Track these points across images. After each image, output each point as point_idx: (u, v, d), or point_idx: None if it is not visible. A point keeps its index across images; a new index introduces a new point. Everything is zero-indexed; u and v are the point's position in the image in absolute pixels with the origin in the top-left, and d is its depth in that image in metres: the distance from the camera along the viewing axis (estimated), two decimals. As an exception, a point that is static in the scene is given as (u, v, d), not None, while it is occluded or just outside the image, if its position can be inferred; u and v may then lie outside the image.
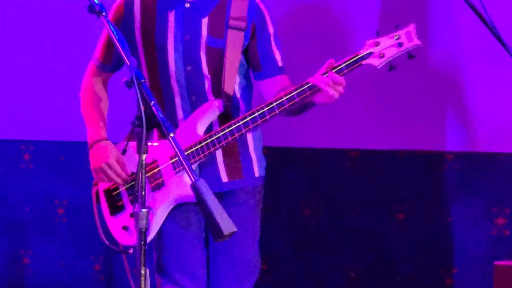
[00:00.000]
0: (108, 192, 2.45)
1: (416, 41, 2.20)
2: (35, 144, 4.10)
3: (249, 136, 2.37)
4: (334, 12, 2.94)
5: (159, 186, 2.36)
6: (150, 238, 2.35)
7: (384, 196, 3.99)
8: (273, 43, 2.41)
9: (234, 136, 2.26)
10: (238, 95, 2.40)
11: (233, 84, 2.36)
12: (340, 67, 2.15)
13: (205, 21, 2.38)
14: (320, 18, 3.84)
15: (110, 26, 1.74)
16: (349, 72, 2.17)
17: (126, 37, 2.05)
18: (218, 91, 2.32)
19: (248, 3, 2.37)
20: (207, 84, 2.34)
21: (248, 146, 2.41)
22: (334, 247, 4.06)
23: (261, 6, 2.42)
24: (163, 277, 2.49)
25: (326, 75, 2.13)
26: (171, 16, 2.38)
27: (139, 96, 1.66)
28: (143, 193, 1.70)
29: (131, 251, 2.30)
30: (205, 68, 2.36)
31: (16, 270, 4.15)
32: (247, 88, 2.46)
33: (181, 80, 2.36)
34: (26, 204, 4.08)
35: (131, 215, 2.32)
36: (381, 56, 2.21)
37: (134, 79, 1.66)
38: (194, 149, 2.29)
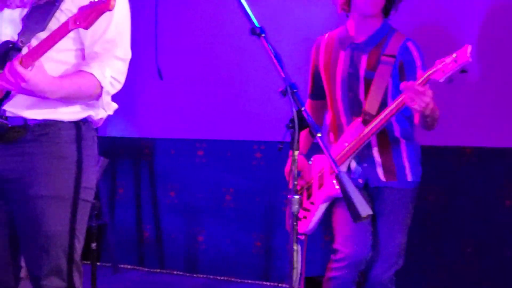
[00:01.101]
0: None
1: (467, 58, 2.30)
2: (208, 142, 4.34)
3: (403, 149, 2.64)
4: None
5: (320, 186, 2.60)
6: (310, 227, 2.66)
7: None
8: (418, 73, 2.49)
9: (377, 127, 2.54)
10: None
11: (377, 102, 2.57)
12: (419, 81, 2.36)
13: (364, 57, 2.64)
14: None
15: (269, 45, 1.80)
16: (424, 84, 2.36)
17: (314, 68, 2.76)
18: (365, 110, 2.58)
19: (401, 44, 2.60)
20: (362, 105, 2.60)
21: (402, 157, 2.63)
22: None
23: (411, 46, 2.62)
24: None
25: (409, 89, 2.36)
26: (342, 54, 2.68)
27: (292, 102, 1.75)
28: (295, 183, 1.77)
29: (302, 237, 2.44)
30: (361, 95, 2.61)
31: (192, 245, 4.37)
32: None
33: (345, 103, 2.65)
34: (200, 192, 4.32)
35: (304, 209, 2.65)
36: (443, 71, 2.34)
37: (288, 89, 1.75)
38: (352, 142, 2.56)
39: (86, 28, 1.79)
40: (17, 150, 1.88)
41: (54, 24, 1.83)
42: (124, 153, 4.56)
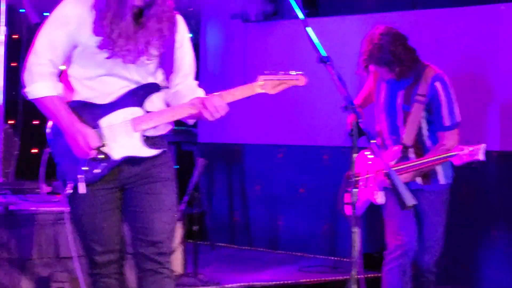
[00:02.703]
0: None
1: (479, 157, 2.46)
2: (286, 147, 4.49)
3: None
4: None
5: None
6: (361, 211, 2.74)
7: None
8: (443, 110, 2.64)
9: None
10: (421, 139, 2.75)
11: (412, 135, 2.70)
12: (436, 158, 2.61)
13: (401, 93, 2.76)
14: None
15: (333, 70, 1.84)
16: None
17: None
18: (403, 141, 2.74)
19: (429, 85, 2.68)
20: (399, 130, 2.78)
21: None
22: None
23: (437, 86, 2.68)
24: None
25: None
26: (383, 86, 2.81)
27: (353, 116, 1.85)
28: (355, 179, 1.88)
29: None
30: (400, 122, 2.76)
31: (273, 228, 4.47)
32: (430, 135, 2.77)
33: (388, 125, 2.81)
34: (279, 186, 4.52)
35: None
36: (460, 159, 2.51)
37: (349, 105, 1.85)
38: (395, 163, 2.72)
39: (272, 93, 1.99)
40: None
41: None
42: (220, 156, 4.71)
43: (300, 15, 1.87)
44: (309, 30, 1.83)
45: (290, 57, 4.07)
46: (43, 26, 1.94)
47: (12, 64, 3.79)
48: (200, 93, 2.02)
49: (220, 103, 1.89)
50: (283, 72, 1.94)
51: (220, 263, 3.92)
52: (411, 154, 2.68)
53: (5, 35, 3.64)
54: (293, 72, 1.93)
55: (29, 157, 3.96)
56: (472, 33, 3.62)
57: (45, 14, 3.24)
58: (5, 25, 3.67)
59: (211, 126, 3.89)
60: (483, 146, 2.45)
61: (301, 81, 1.91)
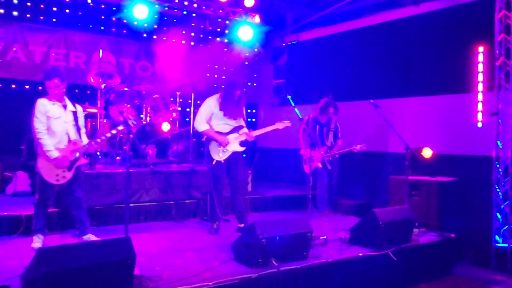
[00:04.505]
0: None
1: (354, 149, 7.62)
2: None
3: None
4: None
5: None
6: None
7: None
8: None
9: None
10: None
11: (330, 141, 7.58)
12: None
13: (325, 128, 7.56)
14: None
15: (304, 125, 7.00)
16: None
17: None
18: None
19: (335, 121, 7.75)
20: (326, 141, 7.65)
21: None
22: None
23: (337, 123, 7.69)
24: None
25: None
26: (317, 126, 7.50)
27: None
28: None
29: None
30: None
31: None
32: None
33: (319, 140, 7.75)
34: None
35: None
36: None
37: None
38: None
39: (280, 128, 6.46)
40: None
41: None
42: (260, 151, 10.53)
43: (292, 103, 5.97)
44: (296, 109, 6.05)
45: (288, 119, 8.84)
46: (200, 108, 6.37)
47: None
48: (246, 130, 6.35)
49: (253, 134, 6.19)
50: (282, 122, 6.28)
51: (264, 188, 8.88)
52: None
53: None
54: (287, 121, 6.20)
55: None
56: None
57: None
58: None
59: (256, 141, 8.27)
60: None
61: (289, 123, 6.03)
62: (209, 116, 5.82)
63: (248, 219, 6.13)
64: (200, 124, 5.83)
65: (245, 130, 5.91)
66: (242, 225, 6.11)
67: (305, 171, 6.97)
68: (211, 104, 5.83)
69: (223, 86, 5.98)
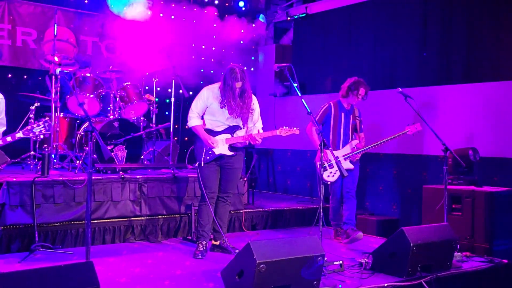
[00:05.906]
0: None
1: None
2: None
3: None
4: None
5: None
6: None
7: None
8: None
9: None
10: None
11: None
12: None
13: (352, 116, 7.42)
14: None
15: (313, 118, 6.91)
16: None
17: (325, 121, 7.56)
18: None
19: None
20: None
21: None
22: None
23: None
24: None
25: None
26: (343, 114, 7.38)
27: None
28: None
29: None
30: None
31: (286, 184, 10.21)
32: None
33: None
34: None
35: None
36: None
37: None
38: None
39: (284, 135, 6.54)
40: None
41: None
42: (262, 153, 9.77)
43: (298, 93, 5.89)
44: (303, 100, 5.92)
45: (294, 113, 9.04)
46: (195, 99, 6.33)
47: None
48: (261, 130, 6.27)
49: (258, 137, 6.08)
50: (287, 127, 6.18)
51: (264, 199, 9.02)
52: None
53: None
54: (295, 128, 6.20)
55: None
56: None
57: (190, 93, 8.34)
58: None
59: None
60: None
61: (297, 131, 6.10)
62: (203, 109, 5.88)
63: (227, 237, 6.15)
64: (192, 119, 5.91)
65: (242, 132, 5.86)
66: (217, 243, 6.16)
67: (324, 179, 6.49)
68: (205, 96, 5.87)
69: (222, 73, 5.94)
